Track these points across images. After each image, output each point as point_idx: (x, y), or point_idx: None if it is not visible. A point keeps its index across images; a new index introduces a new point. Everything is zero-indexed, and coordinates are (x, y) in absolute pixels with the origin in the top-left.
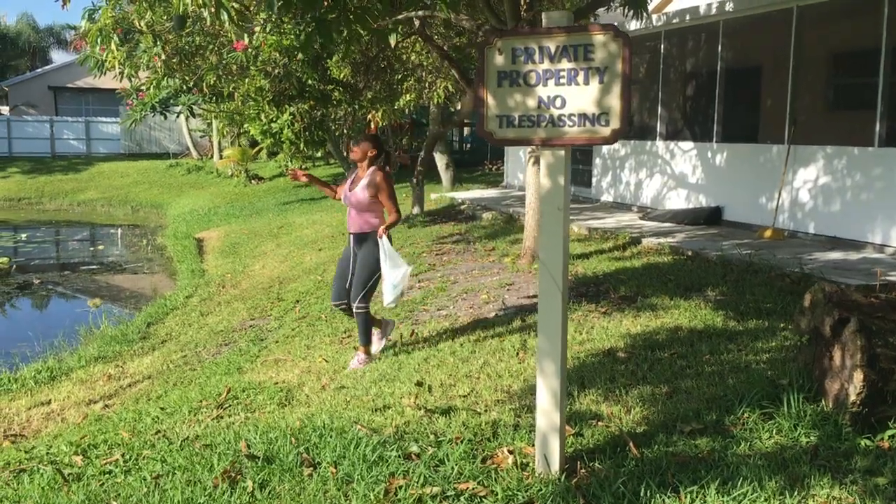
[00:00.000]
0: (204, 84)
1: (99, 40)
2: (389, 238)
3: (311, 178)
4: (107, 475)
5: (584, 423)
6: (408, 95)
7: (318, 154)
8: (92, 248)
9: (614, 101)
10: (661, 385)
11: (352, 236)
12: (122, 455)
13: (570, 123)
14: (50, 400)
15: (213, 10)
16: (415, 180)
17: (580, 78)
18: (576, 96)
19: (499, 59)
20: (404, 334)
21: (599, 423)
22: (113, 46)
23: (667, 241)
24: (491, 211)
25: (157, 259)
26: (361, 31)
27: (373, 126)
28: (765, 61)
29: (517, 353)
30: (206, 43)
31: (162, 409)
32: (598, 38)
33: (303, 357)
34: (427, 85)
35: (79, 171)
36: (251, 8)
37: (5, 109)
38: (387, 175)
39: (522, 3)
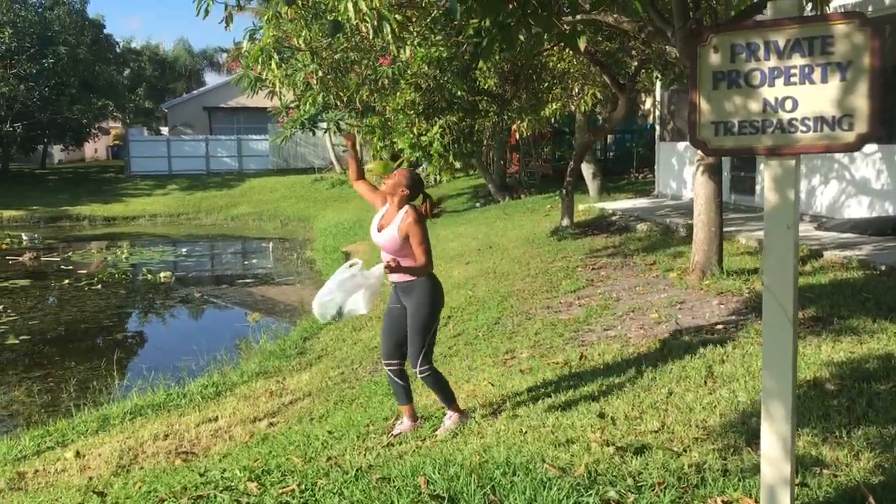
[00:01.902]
0: (357, 99)
1: (260, 59)
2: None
3: (354, 149)
4: None
5: (807, 469)
6: (553, 104)
7: (458, 164)
8: (246, 262)
9: (860, 101)
10: (887, 425)
11: (394, 286)
12: (299, 485)
13: (804, 129)
14: (217, 416)
15: (374, 23)
16: (564, 191)
17: (816, 75)
18: (811, 97)
19: (714, 58)
20: (572, 357)
21: (825, 471)
22: (273, 65)
23: (853, 254)
24: (645, 222)
25: (306, 272)
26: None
27: (515, 137)
28: None
29: (705, 382)
30: (359, 58)
31: (329, 432)
32: (840, 27)
33: (466, 379)
34: (573, 93)
35: (231, 187)
36: (413, 19)
37: (165, 130)
38: (419, 216)
39: (690, 1)
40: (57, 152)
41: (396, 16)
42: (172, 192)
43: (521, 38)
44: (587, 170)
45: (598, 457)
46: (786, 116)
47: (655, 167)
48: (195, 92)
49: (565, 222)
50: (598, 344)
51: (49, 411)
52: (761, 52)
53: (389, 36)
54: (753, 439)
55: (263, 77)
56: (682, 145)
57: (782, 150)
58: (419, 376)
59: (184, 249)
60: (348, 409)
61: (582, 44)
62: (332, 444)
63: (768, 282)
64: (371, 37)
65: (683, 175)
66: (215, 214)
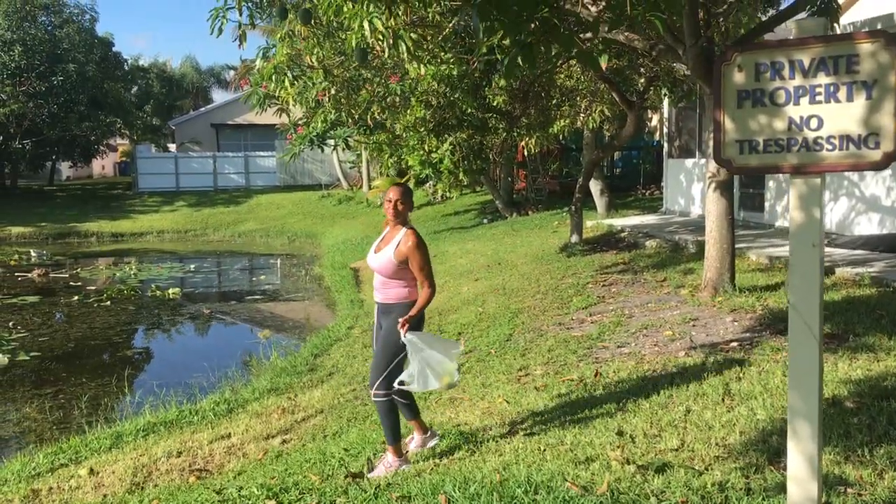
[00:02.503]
0: (368, 116)
1: (274, 77)
2: (419, 321)
3: None
4: None
5: (831, 489)
6: (562, 121)
7: (466, 181)
8: (254, 278)
9: (886, 120)
10: None
11: (377, 305)
12: (318, 503)
13: (829, 147)
14: (230, 433)
15: (390, 41)
16: (573, 207)
17: (842, 94)
18: (836, 115)
19: (738, 77)
20: (587, 374)
21: (849, 490)
22: (287, 83)
23: (865, 271)
24: (654, 238)
25: (315, 289)
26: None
27: (522, 153)
28: None
29: (722, 400)
30: (371, 76)
31: (345, 450)
32: (865, 46)
33: (480, 397)
34: (582, 109)
35: (239, 204)
36: (427, 38)
37: (172, 147)
38: (420, 240)
39: (701, 20)
40: (65, 169)
41: (412, 34)
42: (180, 209)
43: (541, 58)
44: (595, 186)
45: (620, 475)
46: (811, 135)
47: (663, 184)
48: (203, 109)
49: (574, 239)
50: (612, 361)
51: (61, 428)
52: (786, 71)
53: (405, 54)
54: (775, 458)
55: (276, 95)
56: (689, 162)
57: (808, 169)
58: (373, 398)
59: (192, 266)
60: (362, 427)
61: (604, 63)
62: (348, 462)
63: (794, 300)
64: (386, 55)
65: (691, 192)
66: (223, 231)
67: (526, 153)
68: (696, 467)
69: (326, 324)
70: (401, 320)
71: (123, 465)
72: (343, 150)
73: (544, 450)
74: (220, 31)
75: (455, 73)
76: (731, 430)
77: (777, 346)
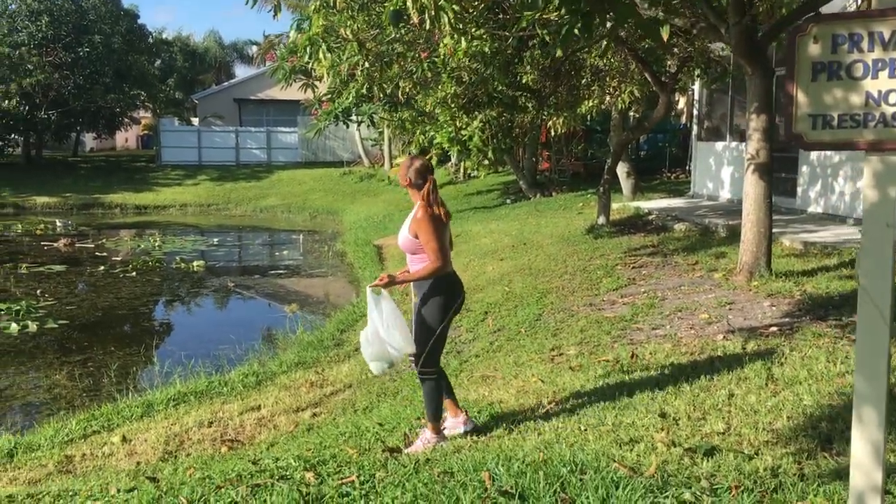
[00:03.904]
0: (400, 92)
1: (308, 49)
2: (446, 297)
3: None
4: (345, 497)
5: (890, 477)
6: (590, 101)
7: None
8: (276, 253)
9: None
10: None
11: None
12: (358, 476)
13: None
14: (259, 405)
15: (432, 13)
16: (600, 189)
17: None
18: None
19: (814, 49)
20: (623, 356)
21: None
22: (321, 55)
23: None
24: (683, 222)
25: (338, 265)
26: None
27: (548, 133)
28: None
29: (766, 384)
30: (404, 50)
31: (380, 424)
32: None
33: (514, 375)
34: (611, 90)
35: (260, 179)
36: (469, 10)
37: (195, 121)
38: (428, 212)
39: None
40: (89, 141)
41: (454, 6)
42: (202, 183)
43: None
44: (621, 169)
45: (667, 457)
46: (889, 110)
47: (692, 167)
48: (225, 83)
49: (601, 220)
50: (647, 343)
51: (91, 395)
52: (864, 44)
53: (447, 27)
54: (826, 444)
55: (311, 67)
56: (720, 145)
57: (885, 146)
58: (419, 376)
59: (215, 239)
60: (393, 403)
61: (665, 34)
62: (384, 437)
63: (864, 282)
64: (427, 27)
65: (721, 175)
66: (245, 205)
67: (552, 133)
68: (746, 451)
69: (350, 299)
70: (382, 275)
71: (155, 433)
72: (368, 126)
73: (585, 430)
74: (255, 1)
75: (487, 49)
76: (778, 415)
77: (819, 331)
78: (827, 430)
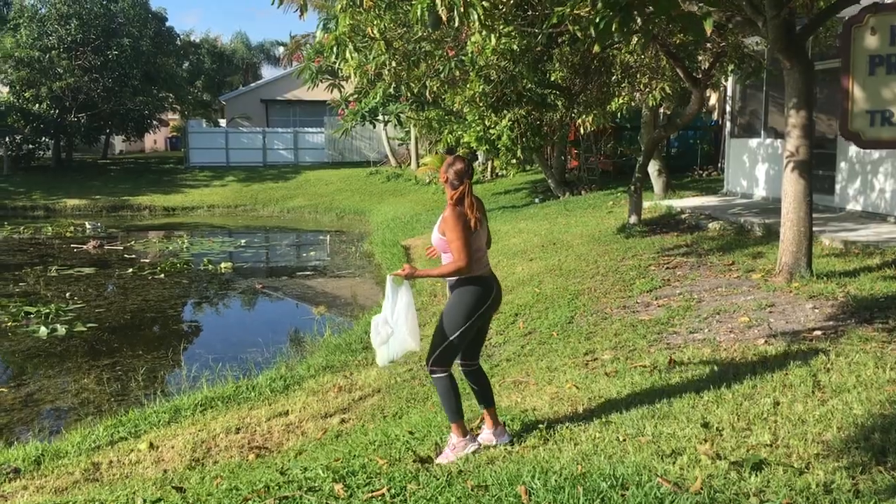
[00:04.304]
0: (427, 91)
1: (335, 49)
2: (475, 299)
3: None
4: None
5: None
6: (620, 98)
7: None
8: (304, 254)
9: None
10: None
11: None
12: (388, 489)
13: None
14: (287, 411)
15: (461, 10)
16: (632, 187)
17: None
18: None
19: (871, 41)
20: (660, 361)
21: None
22: (348, 54)
23: None
24: (717, 221)
25: (365, 265)
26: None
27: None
28: None
29: (812, 392)
30: (432, 49)
31: (410, 433)
32: None
33: (547, 381)
34: (641, 87)
35: (287, 180)
36: (499, 6)
37: (222, 122)
38: (454, 212)
39: None
40: (118, 143)
41: (483, 2)
42: (230, 184)
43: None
44: (652, 167)
45: (711, 472)
46: None
47: (724, 164)
48: (252, 84)
49: (633, 219)
50: (685, 347)
51: (118, 400)
52: None
53: (476, 24)
54: (881, 457)
55: (338, 67)
56: (754, 142)
57: None
58: (429, 373)
59: (242, 240)
60: (423, 409)
61: (708, 28)
62: (414, 446)
63: None
64: (456, 24)
65: (755, 173)
66: (272, 206)
67: (583, 131)
68: (795, 465)
69: (378, 301)
70: (405, 265)
71: (182, 439)
72: (395, 126)
73: (624, 440)
74: (281, 1)
75: (516, 46)
76: (828, 426)
77: (865, 335)
78: (881, 442)
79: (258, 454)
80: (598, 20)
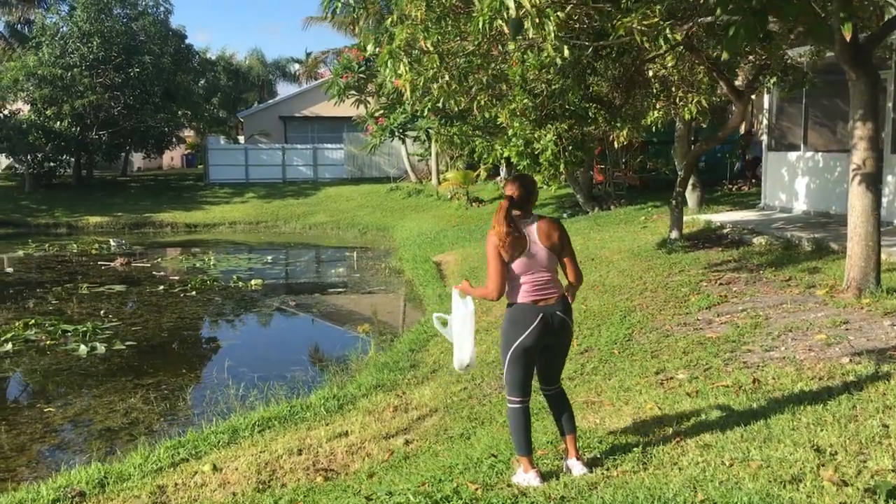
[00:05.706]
0: (474, 105)
1: (389, 62)
2: (515, 325)
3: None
4: None
5: None
6: (655, 112)
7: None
8: (332, 271)
9: None
10: None
11: None
12: None
13: None
14: (347, 431)
15: (536, 20)
16: (673, 202)
17: None
18: None
19: None
20: (743, 381)
21: None
22: (403, 69)
23: None
24: (761, 235)
25: (396, 282)
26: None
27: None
28: None
29: None
30: (484, 63)
31: (494, 456)
32: None
33: (623, 401)
34: (676, 100)
35: (307, 196)
36: (574, 17)
37: (241, 139)
38: (493, 237)
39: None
40: (137, 160)
41: (559, 13)
42: (250, 200)
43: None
44: None
45: (843, 499)
46: None
47: (762, 178)
48: (270, 101)
49: (674, 234)
50: (765, 366)
51: (168, 420)
52: None
53: (551, 35)
54: None
55: (388, 81)
56: (793, 155)
57: None
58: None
59: (269, 257)
60: (490, 430)
61: (847, 33)
62: (501, 470)
63: None
64: (531, 35)
65: (794, 186)
66: (293, 223)
67: (616, 145)
68: None
69: (417, 318)
70: (464, 280)
71: (245, 461)
72: (423, 142)
73: (731, 465)
74: (334, 13)
75: (560, 60)
76: None
77: None
78: None
79: (326, 477)
80: (728, 28)
